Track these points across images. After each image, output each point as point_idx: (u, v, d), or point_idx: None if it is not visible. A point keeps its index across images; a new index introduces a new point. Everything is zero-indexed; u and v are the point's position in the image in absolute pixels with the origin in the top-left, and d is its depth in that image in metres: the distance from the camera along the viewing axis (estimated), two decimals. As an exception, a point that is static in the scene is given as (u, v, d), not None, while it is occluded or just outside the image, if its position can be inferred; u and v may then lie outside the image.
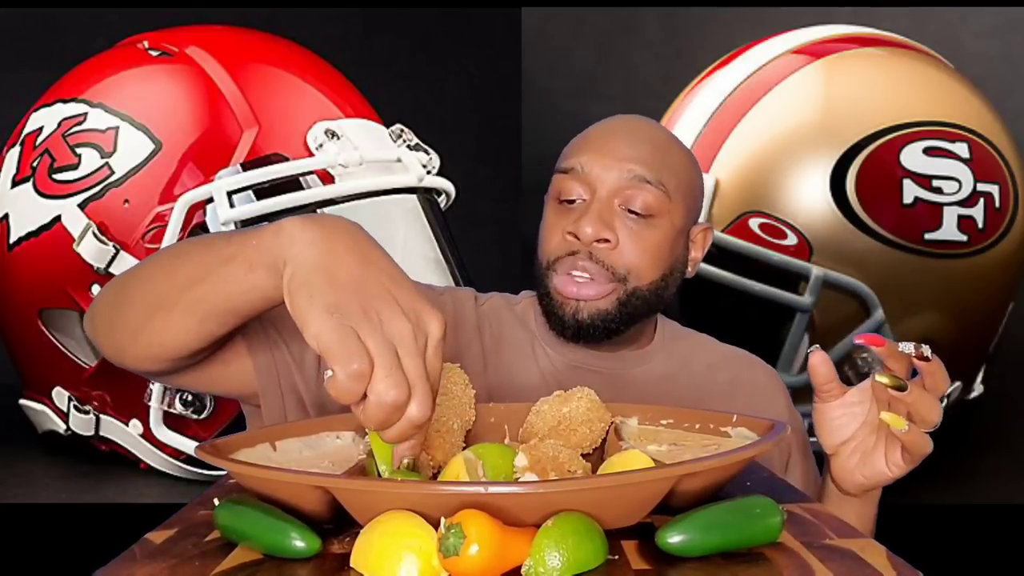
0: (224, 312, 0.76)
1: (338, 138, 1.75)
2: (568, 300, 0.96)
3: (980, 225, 1.72)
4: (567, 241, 0.96)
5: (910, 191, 1.69)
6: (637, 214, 0.95)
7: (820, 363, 0.82)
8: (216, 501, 0.64)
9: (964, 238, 1.71)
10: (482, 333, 1.02)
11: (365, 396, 0.62)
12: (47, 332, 1.80)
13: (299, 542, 0.60)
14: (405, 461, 0.67)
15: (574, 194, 0.97)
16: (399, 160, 1.75)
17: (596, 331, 0.96)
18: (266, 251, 0.69)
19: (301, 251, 0.66)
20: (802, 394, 1.37)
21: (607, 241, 0.95)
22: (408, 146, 1.77)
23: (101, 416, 1.79)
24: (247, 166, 1.70)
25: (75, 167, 1.75)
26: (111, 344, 0.85)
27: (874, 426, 0.83)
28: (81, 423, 1.80)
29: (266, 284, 0.70)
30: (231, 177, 1.67)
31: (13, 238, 1.79)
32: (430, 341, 0.65)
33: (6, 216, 1.81)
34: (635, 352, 1.03)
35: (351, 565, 0.58)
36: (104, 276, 1.70)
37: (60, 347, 1.81)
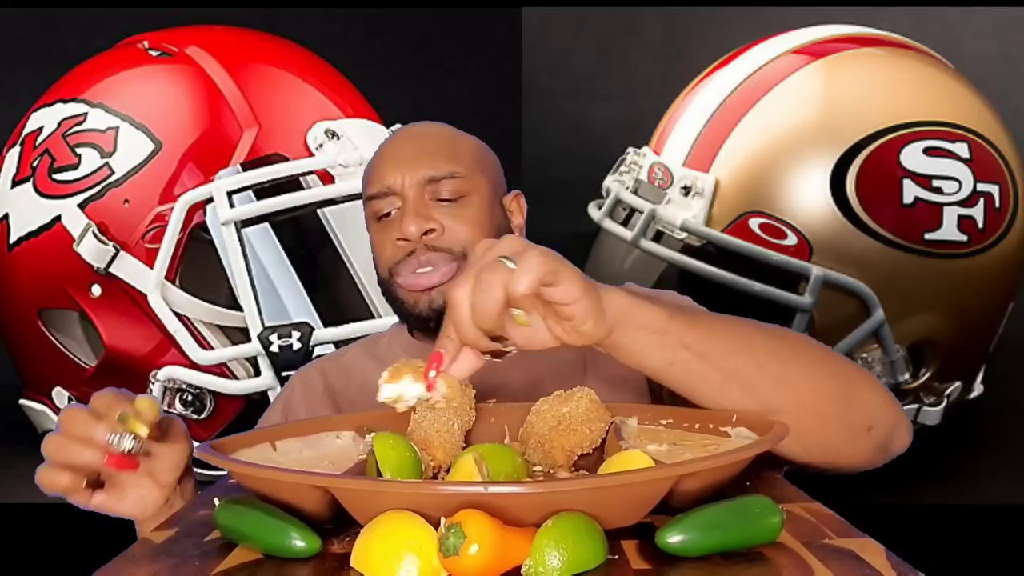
0: None
1: (338, 138, 1.75)
2: (420, 295, 1.01)
3: (980, 225, 1.72)
4: (399, 247, 1.01)
5: (910, 191, 1.69)
6: (448, 200, 1.01)
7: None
8: (216, 501, 0.64)
9: (964, 238, 1.71)
10: (335, 395, 1.07)
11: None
12: (47, 332, 1.80)
13: (299, 542, 0.60)
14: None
15: (388, 207, 1.02)
16: (399, 160, 1.75)
17: None
18: None
19: None
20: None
21: (433, 231, 1.00)
22: (408, 146, 1.77)
23: (101, 416, 1.79)
24: (247, 166, 1.70)
25: (75, 167, 1.75)
26: None
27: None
28: (81, 423, 1.79)
29: None
30: (231, 177, 1.67)
31: (13, 238, 1.79)
32: None
33: (6, 216, 1.81)
34: None
35: (351, 565, 0.58)
36: (104, 276, 1.70)
37: (60, 347, 1.81)
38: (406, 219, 1.00)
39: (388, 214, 1.02)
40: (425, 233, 1.00)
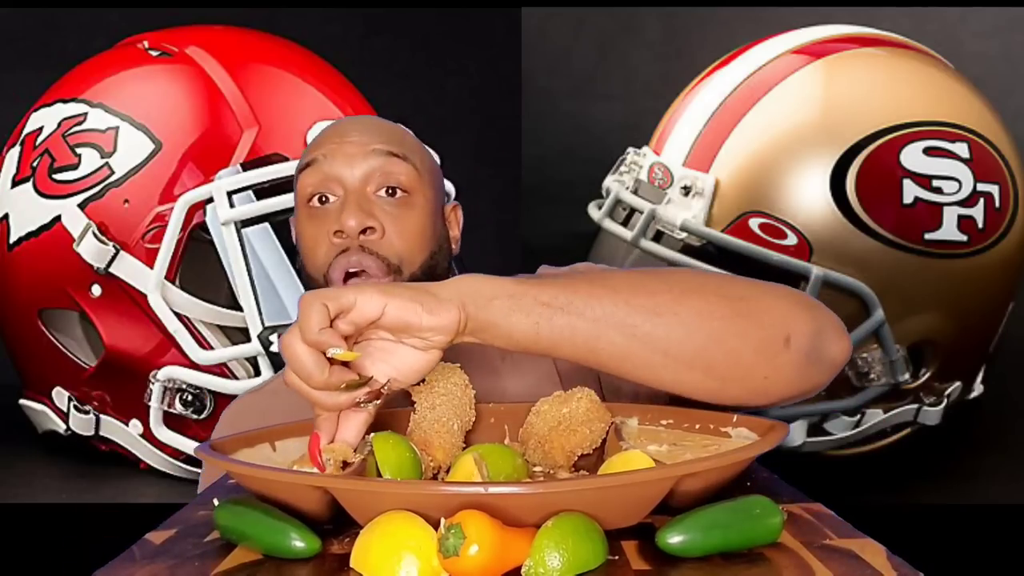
0: None
1: (338, 138, 1.75)
2: None
3: (980, 225, 1.72)
4: (335, 243, 0.94)
5: (910, 191, 1.69)
6: (394, 194, 0.95)
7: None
8: (216, 501, 0.64)
9: (964, 238, 1.71)
10: (279, 399, 0.96)
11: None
12: (47, 332, 1.80)
13: (299, 542, 0.60)
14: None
15: (323, 189, 0.95)
16: (399, 160, 1.75)
17: None
18: None
19: None
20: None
21: (373, 230, 0.93)
22: (408, 146, 1.77)
23: (101, 416, 1.79)
24: (247, 166, 1.70)
25: (75, 167, 1.75)
26: None
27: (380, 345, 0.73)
28: (81, 423, 1.80)
29: None
30: (231, 177, 1.67)
31: (13, 238, 1.79)
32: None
33: (6, 216, 1.81)
34: None
35: (351, 565, 0.58)
36: (104, 276, 1.70)
37: (60, 347, 1.81)
38: (346, 211, 0.93)
39: (324, 200, 0.95)
40: (363, 231, 0.93)
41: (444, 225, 1.03)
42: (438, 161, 1.07)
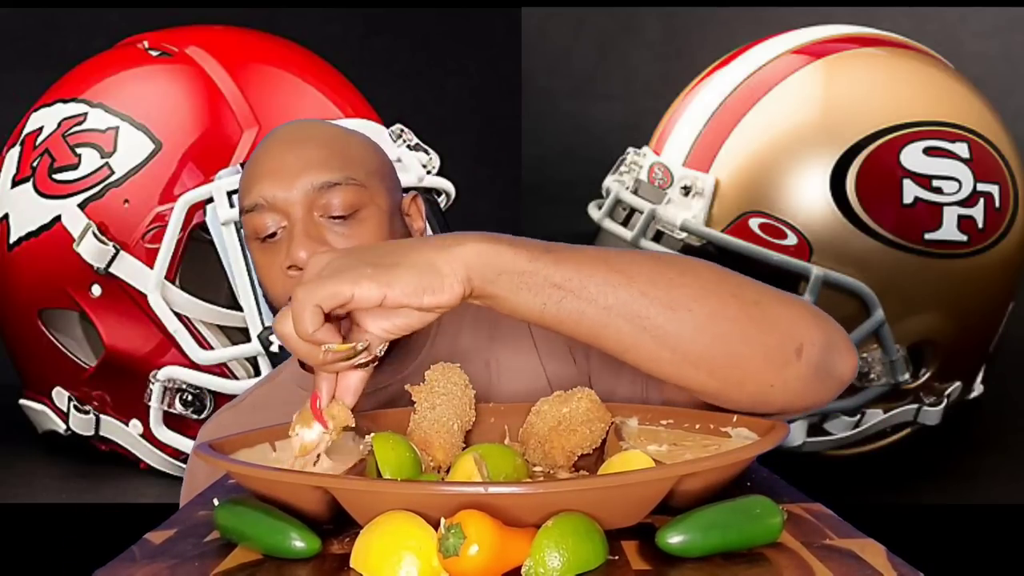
0: None
1: (338, 138, 1.75)
2: None
3: (980, 225, 1.72)
4: (291, 275, 0.89)
5: (910, 191, 1.69)
6: (342, 217, 0.90)
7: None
8: (216, 501, 0.64)
9: (964, 238, 1.71)
10: (258, 414, 0.96)
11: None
12: (47, 332, 1.80)
13: (299, 542, 0.60)
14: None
15: (271, 226, 0.90)
16: (399, 160, 1.75)
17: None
18: None
19: None
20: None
21: None
22: (408, 146, 1.77)
23: (101, 416, 1.79)
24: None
25: (75, 167, 1.75)
26: None
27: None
28: (81, 423, 1.80)
29: None
30: (231, 177, 1.67)
31: (13, 238, 1.79)
32: None
33: (6, 216, 1.81)
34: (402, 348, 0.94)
35: (351, 565, 0.58)
36: (104, 276, 1.70)
37: (60, 347, 1.81)
38: (295, 243, 0.88)
39: (273, 235, 0.90)
40: None
41: (404, 223, 0.97)
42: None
